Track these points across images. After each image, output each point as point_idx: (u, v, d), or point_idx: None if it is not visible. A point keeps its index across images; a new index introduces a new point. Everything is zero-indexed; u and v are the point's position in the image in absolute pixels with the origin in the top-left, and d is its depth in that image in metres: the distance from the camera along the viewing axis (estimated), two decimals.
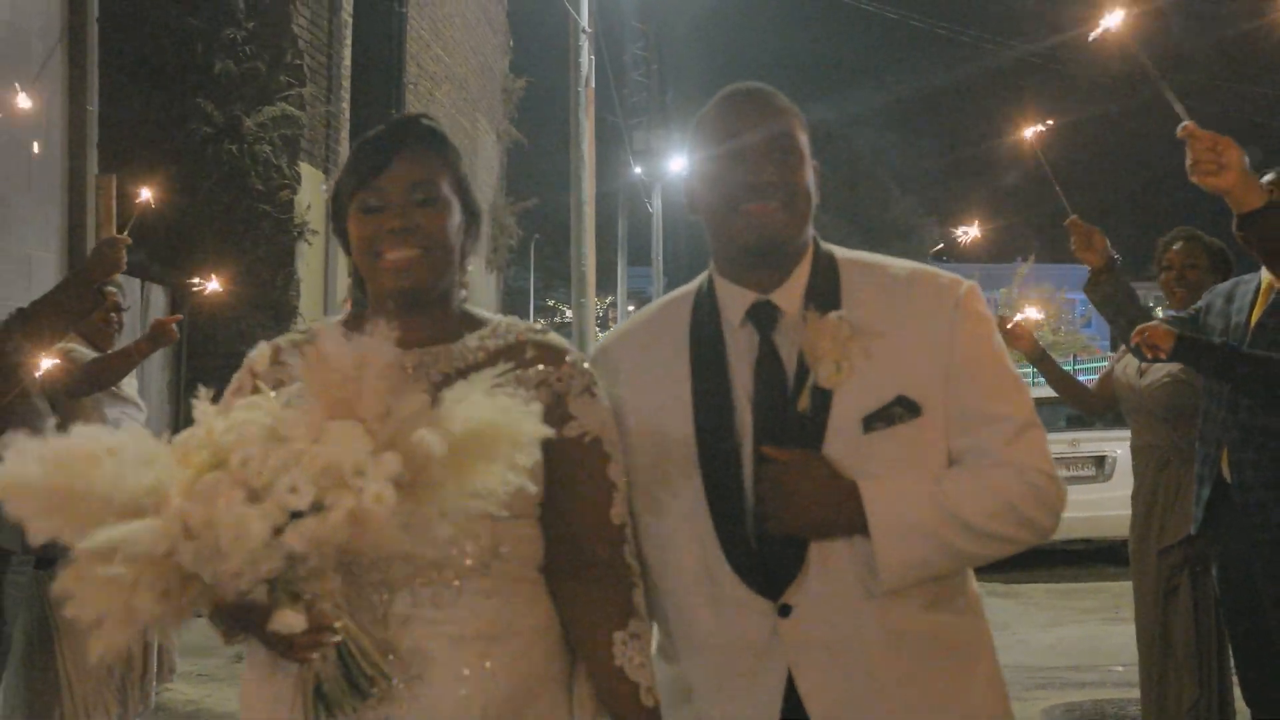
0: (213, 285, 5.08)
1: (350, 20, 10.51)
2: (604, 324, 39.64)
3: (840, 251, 2.33)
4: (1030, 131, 3.80)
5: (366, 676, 1.96)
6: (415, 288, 2.17)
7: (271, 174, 9.32)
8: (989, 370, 2.21)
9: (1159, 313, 4.59)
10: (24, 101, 6.18)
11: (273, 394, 1.99)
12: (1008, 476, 2.15)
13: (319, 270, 10.00)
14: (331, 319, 2.25)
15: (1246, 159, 3.01)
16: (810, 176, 2.27)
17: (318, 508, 1.77)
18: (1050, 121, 3.87)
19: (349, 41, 10.37)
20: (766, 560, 2.18)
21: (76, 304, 4.63)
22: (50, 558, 5.12)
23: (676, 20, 34.50)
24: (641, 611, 2.20)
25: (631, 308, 40.97)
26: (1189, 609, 4.73)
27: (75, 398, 5.09)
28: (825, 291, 2.25)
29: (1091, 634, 8.45)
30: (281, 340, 2.28)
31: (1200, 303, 4.34)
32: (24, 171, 6.34)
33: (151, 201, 4.83)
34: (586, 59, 21.65)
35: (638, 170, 33.77)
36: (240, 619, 1.96)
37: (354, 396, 1.86)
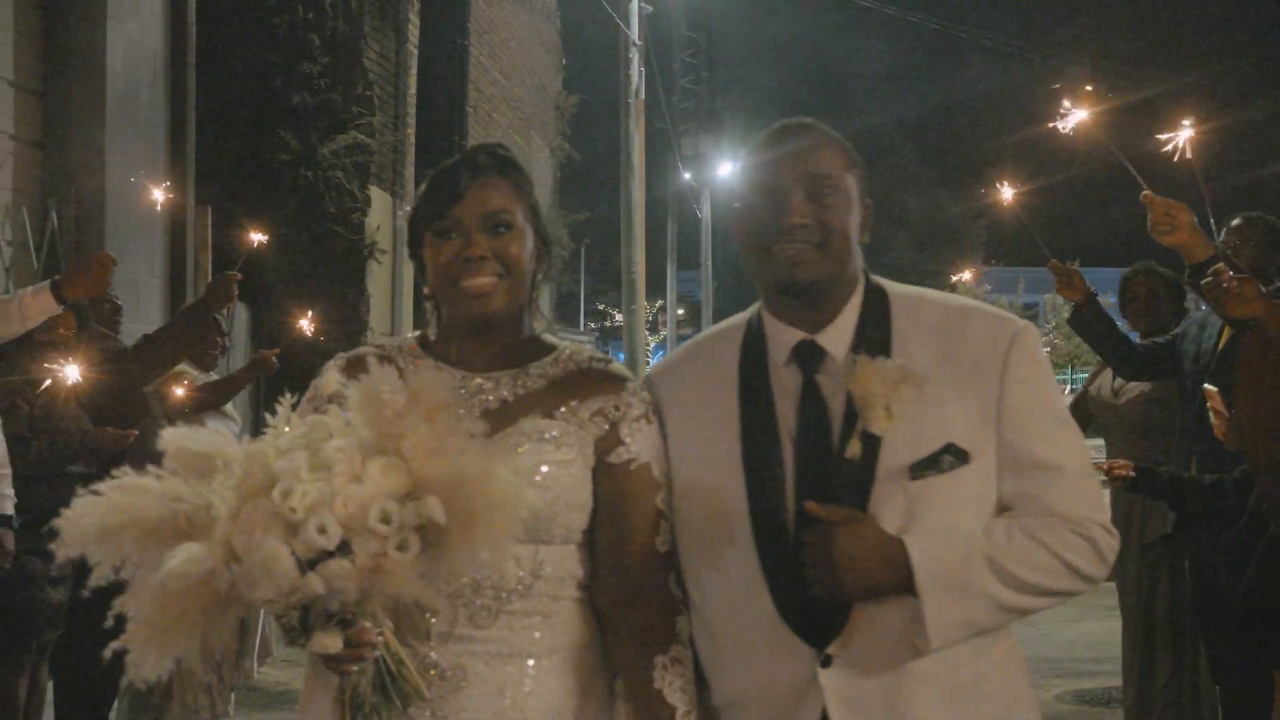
0: (305, 324, 5.75)
1: (415, 51, 11.16)
2: (654, 327, 39.98)
3: (893, 288, 2.27)
4: (1009, 194, 4.34)
5: (402, 691, 1.96)
6: (488, 313, 2.21)
7: (344, 198, 9.94)
8: (1041, 416, 2.15)
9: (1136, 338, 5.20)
10: (135, 143, 6.94)
11: (339, 413, 1.97)
12: (1057, 528, 2.09)
13: (386, 288, 10.62)
14: (405, 336, 2.36)
15: (1195, 219, 3.69)
16: (851, 215, 2.21)
17: (344, 549, 1.80)
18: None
19: (414, 72, 11.01)
20: (813, 610, 2.12)
21: (196, 331, 5.37)
22: None
23: (726, 26, 34.88)
24: (684, 637, 2.21)
25: (681, 311, 41.28)
26: (1168, 600, 5.26)
27: (190, 416, 5.82)
28: (875, 333, 2.20)
29: (1112, 629, 8.75)
30: (356, 354, 2.30)
31: (1178, 329, 4.93)
32: (133, 204, 7.06)
33: (263, 243, 5.50)
34: (636, 71, 22.19)
35: (687, 176, 34.18)
36: (291, 637, 1.95)
37: (401, 434, 1.87)
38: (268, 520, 1.80)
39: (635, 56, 22.01)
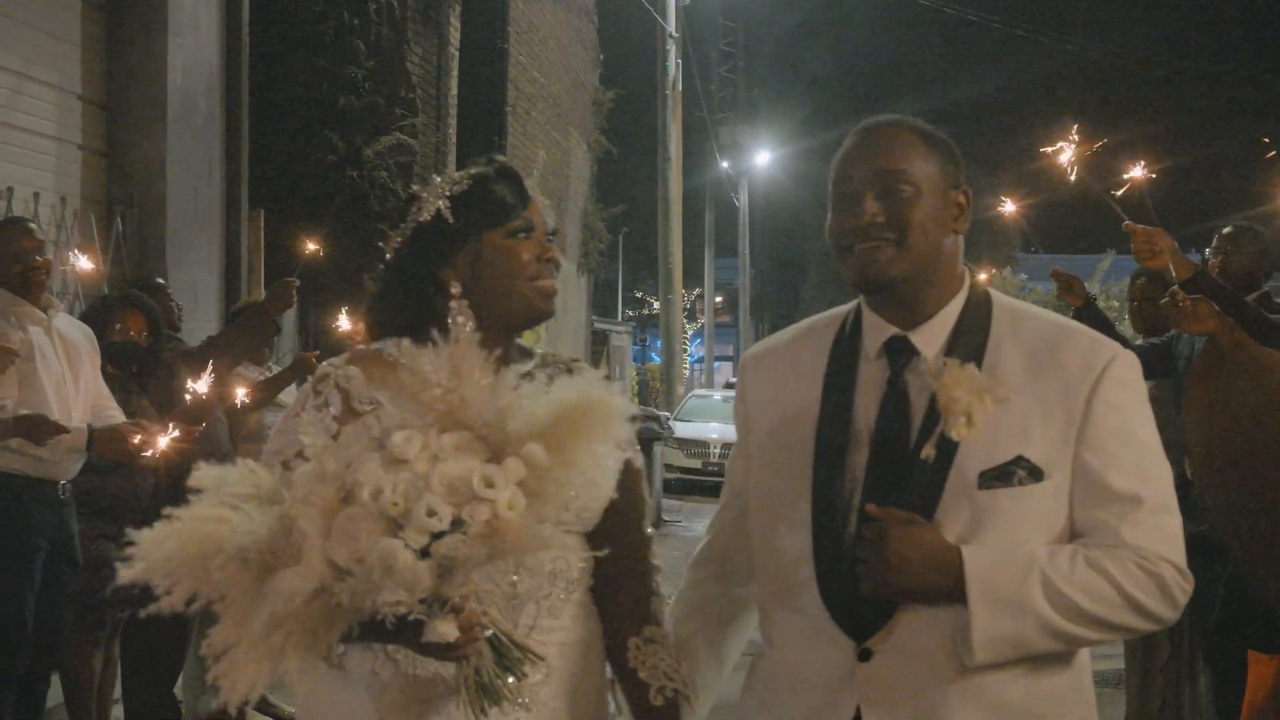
0: (344, 323, 6.11)
1: (456, 54, 11.50)
2: (691, 315, 40.13)
3: (999, 297, 2.24)
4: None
5: (517, 662, 2.01)
6: (550, 312, 2.31)
7: (388, 197, 10.27)
8: (1125, 444, 2.09)
9: (1138, 340, 5.50)
10: (194, 150, 7.35)
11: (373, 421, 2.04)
12: (1124, 560, 2.03)
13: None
14: (397, 342, 2.27)
15: (1175, 243, 4.03)
16: (929, 208, 2.16)
17: (456, 524, 1.80)
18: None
19: (455, 74, 11.35)
20: (858, 603, 2.10)
21: (257, 335, 5.78)
22: None
23: (763, 13, 35.01)
24: (660, 618, 2.32)
25: (718, 299, 41.44)
26: None
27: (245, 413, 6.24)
28: (971, 338, 2.17)
29: None
30: (352, 358, 2.28)
31: (1173, 330, 5.22)
32: (191, 208, 7.47)
33: (320, 252, 5.89)
34: (673, 63, 22.44)
35: (724, 164, 34.35)
36: (388, 636, 1.93)
37: (457, 407, 1.90)
38: (368, 524, 1.80)
39: (672, 49, 22.28)
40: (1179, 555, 2.07)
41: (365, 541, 1.79)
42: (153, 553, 1.87)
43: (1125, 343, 5.29)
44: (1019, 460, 2.06)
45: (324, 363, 2.27)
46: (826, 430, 2.19)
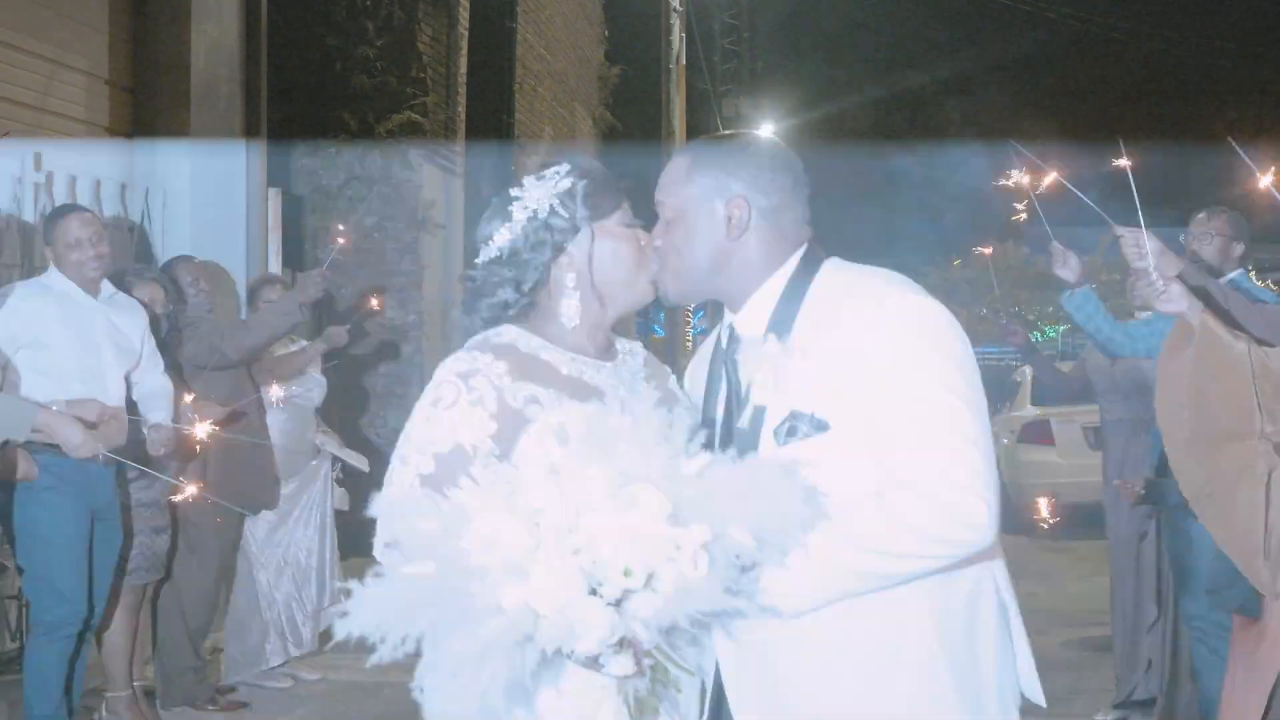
0: (374, 303, 6.43)
1: (465, 33, 11.67)
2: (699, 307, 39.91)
3: (830, 265, 2.36)
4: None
5: (674, 678, 2.06)
6: (652, 299, 2.44)
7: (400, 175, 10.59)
8: (906, 384, 2.15)
9: (1138, 315, 5.68)
10: (215, 133, 7.60)
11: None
12: (910, 498, 2.10)
13: (439, 261, 11.20)
14: (503, 328, 2.37)
15: (1162, 245, 4.25)
16: (688, 232, 2.34)
17: (648, 582, 1.87)
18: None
19: (464, 53, 11.52)
20: None
21: (287, 319, 6.05)
22: (258, 507, 6.51)
23: None
24: None
25: None
26: (1153, 546, 5.75)
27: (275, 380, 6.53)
28: (786, 313, 2.30)
29: None
30: (491, 350, 2.30)
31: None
32: (214, 189, 7.73)
33: (349, 241, 6.15)
34: (677, 36, 22.53)
35: None
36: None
37: (640, 460, 1.94)
38: (569, 578, 1.86)
39: (676, 22, 22.37)
40: (967, 478, 2.11)
41: (564, 595, 1.86)
42: (363, 610, 1.93)
43: (1113, 322, 5.52)
44: (802, 415, 2.18)
45: (464, 355, 2.31)
46: (702, 413, 2.38)
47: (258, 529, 6.55)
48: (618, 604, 1.87)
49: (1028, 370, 13.49)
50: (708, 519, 1.91)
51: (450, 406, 2.22)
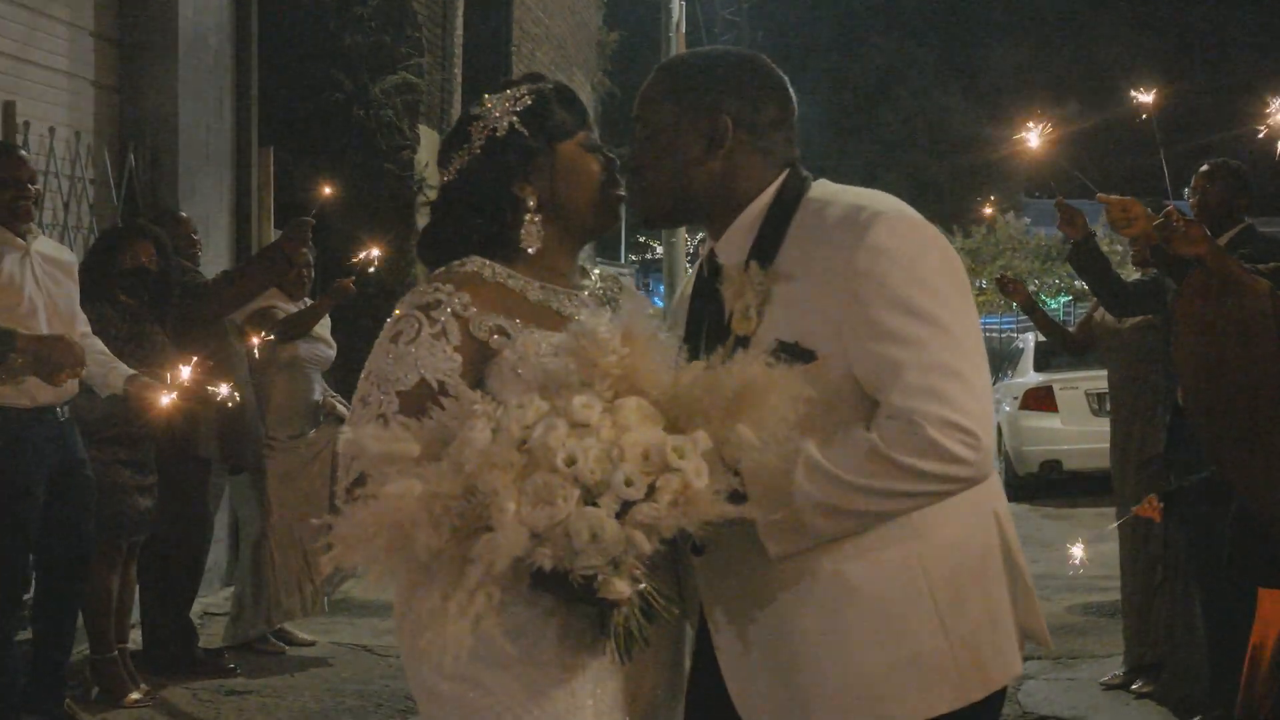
0: (375, 253, 6.27)
1: None
2: (694, 259, 39.96)
3: (815, 192, 2.25)
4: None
5: (659, 611, 2.01)
6: (619, 222, 2.39)
7: (394, 135, 10.33)
8: (889, 311, 2.05)
9: (1136, 275, 5.60)
10: (205, 87, 7.42)
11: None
12: (894, 430, 2.01)
13: None
14: (471, 258, 2.27)
15: (1148, 210, 4.15)
16: (664, 148, 2.25)
17: (649, 493, 1.85)
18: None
19: (461, 13, 11.35)
20: None
21: (272, 269, 5.91)
22: (240, 467, 6.39)
23: None
24: None
25: None
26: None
27: (282, 343, 6.37)
28: (766, 242, 2.20)
29: None
30: (454, 280, 2.22)
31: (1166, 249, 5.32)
32: (203, 146, 7.55)
33: (335, 193, 6.00)
34: (677, 4, 22.34)
35: None
36: (545, 585, 1.94)
37: (632, 373, 1.91)
38: (565, 490, 1.83)
39: None
40: (952, 410, 2.01)
41: (564, 509, 1.83)
42: (351, 535, 1.90)
43: (1120, 280, 5.43)
44: (785, 344, 2.09)
45: (425, 287, 2.21)
46: (686, 343, 2.23)
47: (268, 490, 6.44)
48: (619, 516, 1.83)
49: (1030, 337, 13.41)
50: (707, 423, 1.86)
51: (412, 341, 2.15)
